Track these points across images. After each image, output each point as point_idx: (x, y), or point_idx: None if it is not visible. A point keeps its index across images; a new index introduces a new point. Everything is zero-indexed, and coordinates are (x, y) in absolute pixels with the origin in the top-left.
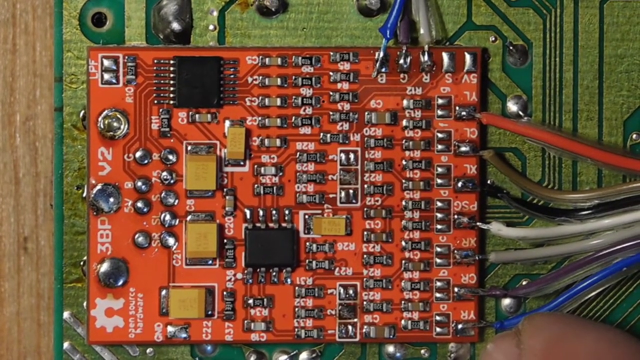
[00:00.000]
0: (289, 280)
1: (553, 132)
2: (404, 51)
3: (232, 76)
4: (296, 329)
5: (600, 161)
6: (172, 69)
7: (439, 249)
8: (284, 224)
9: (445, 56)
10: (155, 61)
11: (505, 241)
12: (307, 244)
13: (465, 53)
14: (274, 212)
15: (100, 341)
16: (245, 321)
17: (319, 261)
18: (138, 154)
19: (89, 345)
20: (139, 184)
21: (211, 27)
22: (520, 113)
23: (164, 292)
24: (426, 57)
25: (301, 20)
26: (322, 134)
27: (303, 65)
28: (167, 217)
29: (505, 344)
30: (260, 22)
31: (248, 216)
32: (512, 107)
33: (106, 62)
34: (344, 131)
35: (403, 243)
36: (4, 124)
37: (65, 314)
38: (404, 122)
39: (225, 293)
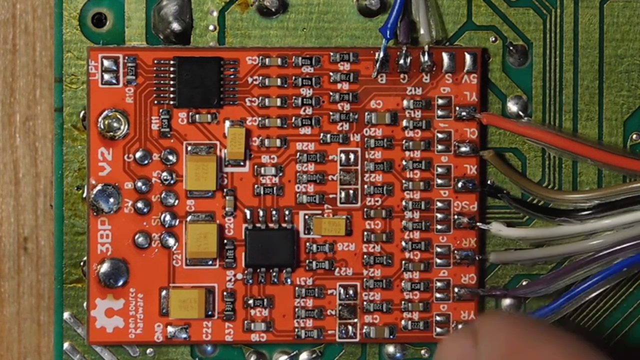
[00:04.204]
0: (289, 280)
1: (553, 133)
2: (404, 51)
3: (232, 76)
4: (296, 329)
5: (600, 161)
6: (172, 69)
7: (439, 250)
8: (284, 225)
9: (445, 56)
10: (156, 61)
11: (505, 241)
12: (307, 244)
13: (466, 53)
14: (274, 212)
15: (100, 341)
16: (246, 321)
17: (319, 261)
18: (138, 155)
19: (89, 346)
20: (139, 184)
21: (211, 27)
22: (521, 113)
23: (164, 293)
24: (426, 58)
25: (301, 21)
26: (322, 135)
27: (303, 66)
28: (167, 218)
29: (459, 344)
30: (261, 23)
31: (248, 216)
32: (512, 107)
33: (106, 63)
34: (344, 131)
35: (403, 243)
36: (4, 124)
37: (66, 315)
38: (404, 123)
39: (225, 293)
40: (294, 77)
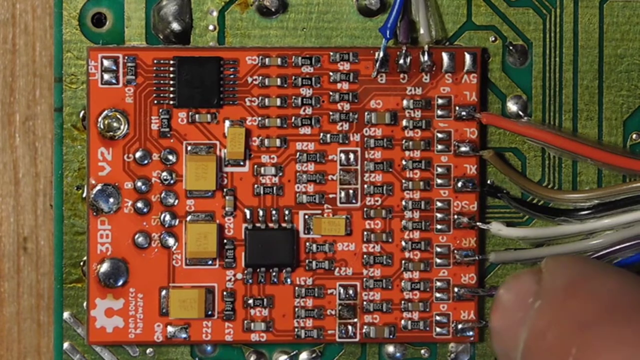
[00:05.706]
0: (288, 280)
1: (553, 132)
2: (403, 51)
3: (232, 76)
4: (296, 329)
5: (600, 161)
6: (172, 69)
7: (438, 249)
8: (283, 224)
9: (445, 56)
10: (155, 61)
11: (505, 241)
12: (307, 244)
13: (465, 53)
14: (273, 212)
15: (100, 341)
16: (245, 321)
17: (319, 261)
18: (138, 154)
19: (89, 346)
20: (139, 184)
21: (211, 27)
22: (520, 113)
23: (164, 293)
24: (426, 57)
25: (301, 21)
26: (322, 134)
27: (303, 66)
28: (167, 217)
29: (521, 283)
30: (260, 22)
31: (248, 216)
32: (512, 107)
33: (106, 63)
34: (343, 131)
35: (403, 243)
36: (4, 124)
37: (65, 314)
38: (404, 122)
39: (225, 293)
40: (293, 77)
